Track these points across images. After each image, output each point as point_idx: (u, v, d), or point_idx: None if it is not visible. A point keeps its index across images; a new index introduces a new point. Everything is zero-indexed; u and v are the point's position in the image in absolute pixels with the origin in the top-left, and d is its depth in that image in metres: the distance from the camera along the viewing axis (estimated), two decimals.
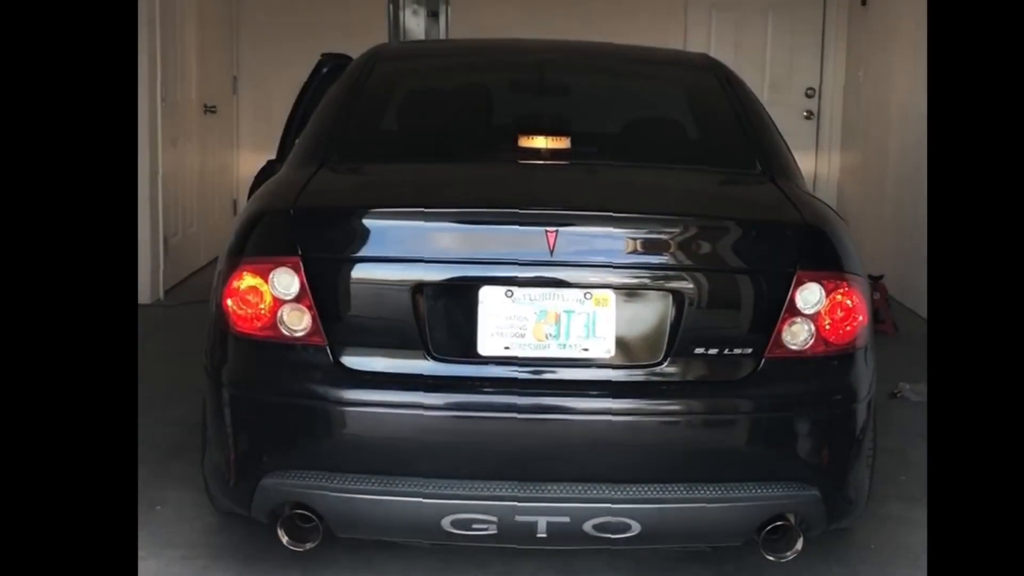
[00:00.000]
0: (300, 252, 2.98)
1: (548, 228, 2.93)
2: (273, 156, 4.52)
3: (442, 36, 9.03)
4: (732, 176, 3.67)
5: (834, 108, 9.13)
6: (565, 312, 2.97)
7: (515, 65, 4.31)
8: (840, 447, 3.11)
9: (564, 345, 2.97)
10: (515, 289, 2.95)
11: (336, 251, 3.03)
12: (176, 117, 7.24)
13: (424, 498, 2.92)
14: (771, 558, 3.09)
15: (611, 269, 2.98)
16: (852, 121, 8.84)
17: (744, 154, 3.69)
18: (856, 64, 8.73)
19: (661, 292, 3.00)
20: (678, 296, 2.98)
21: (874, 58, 8.25)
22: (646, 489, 2.94)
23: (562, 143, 3.70)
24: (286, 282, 2.97)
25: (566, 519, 2.95)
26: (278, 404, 3.02)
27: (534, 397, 2.96)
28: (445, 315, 2.99)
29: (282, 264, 2.98)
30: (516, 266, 2.96)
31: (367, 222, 3.09)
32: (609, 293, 2.97)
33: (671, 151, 3.87)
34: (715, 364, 3.00)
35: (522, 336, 2.96)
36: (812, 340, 3.01)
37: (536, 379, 2.99)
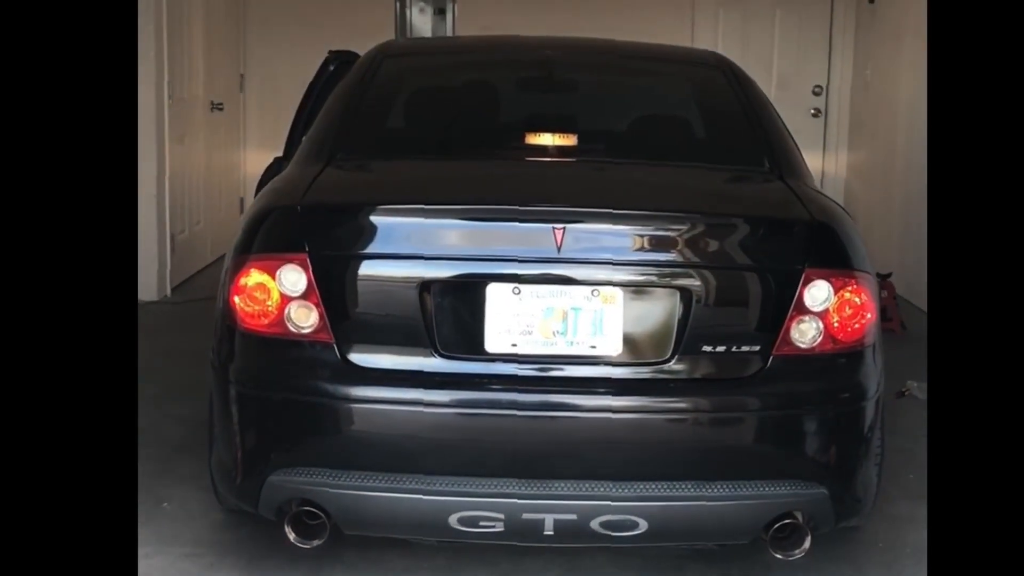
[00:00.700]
0: (307, 249, 2.98)
1: (555, 225, 2.92)
2: (280, 153, 4.50)
3: (449, 33, 9.03)
4: (740, 173, 3.67)
5: (842, 106, 9.10)
6: (572, 309, 2.96)
7: (522, 62, 4.30)
8: (848, 445, 3.11)
9: (571, 342, 2.96)
10: (522, 286, 2.95)
11: (343, 248, 3.03)
12: (183, 114, 7.24)
13: (431, 495, 2.91)
14: (779, 556, 3.09)
15: (618, 266, 2.97)
16: (859, 119, 8.82)
17: (752, 151, 3.68)
18: (864, 62, 8.70)
19: (669, 289, 2.99)
20: (686, 293, 2.97)
21: (882, 56, 8.22)
22: (653, 487, 2.94)
23: (569, 140, 3.70)
24: (293, 279, 2.97)
25: (573, 517, 2.95)
26: (285, 401, 3.02)
27: (541, 394, 2.96)
28: (452, 312, 2.99)
29: (289, 261, 2.98)
30: (523, 263, 2.95)
31: (374, 219, 3.09)
32: (616, 290, 2.96)
33: (679, 148, 3.86)
34: (723, 362, 2.99)
35: (529, 333, 2.95)
36: (820, 338, 3.00)
37: (543, 376, 2.98)
